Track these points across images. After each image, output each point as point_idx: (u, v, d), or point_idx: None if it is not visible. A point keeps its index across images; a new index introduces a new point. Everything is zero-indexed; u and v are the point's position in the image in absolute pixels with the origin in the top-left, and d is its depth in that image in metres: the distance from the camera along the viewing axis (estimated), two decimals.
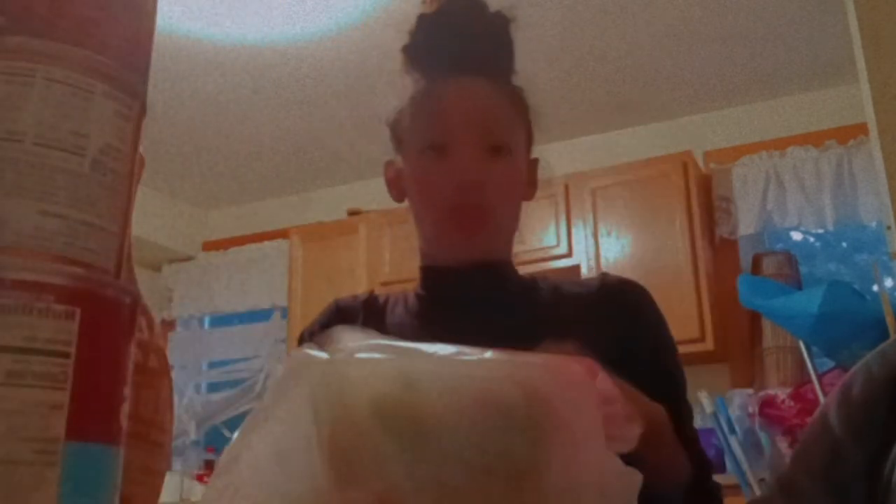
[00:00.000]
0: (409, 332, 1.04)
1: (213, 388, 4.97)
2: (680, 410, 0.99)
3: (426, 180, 1.04)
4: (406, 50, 1.09)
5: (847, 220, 3.78)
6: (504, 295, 1.07)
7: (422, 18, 1.08)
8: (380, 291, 1.20)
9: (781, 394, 3.09)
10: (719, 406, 2.98)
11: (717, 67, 3.77)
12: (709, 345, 3.55)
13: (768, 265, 3.74)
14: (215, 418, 4.69)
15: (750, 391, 3.37)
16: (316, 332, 1.09)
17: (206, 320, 5.21)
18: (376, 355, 0.49)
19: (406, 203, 1.11)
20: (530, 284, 1.11)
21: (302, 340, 1.13)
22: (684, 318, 3.45)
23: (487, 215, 1.03)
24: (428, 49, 1.06)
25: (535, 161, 1.12)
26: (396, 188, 1.12)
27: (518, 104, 1.07)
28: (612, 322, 1.03)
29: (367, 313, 1.13)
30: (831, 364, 3.04)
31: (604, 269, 3.62)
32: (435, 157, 1.03)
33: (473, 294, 1.06)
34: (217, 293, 4.96)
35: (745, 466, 2.79)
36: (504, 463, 0.45)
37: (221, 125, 4.18)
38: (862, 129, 3.28)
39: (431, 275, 1.11)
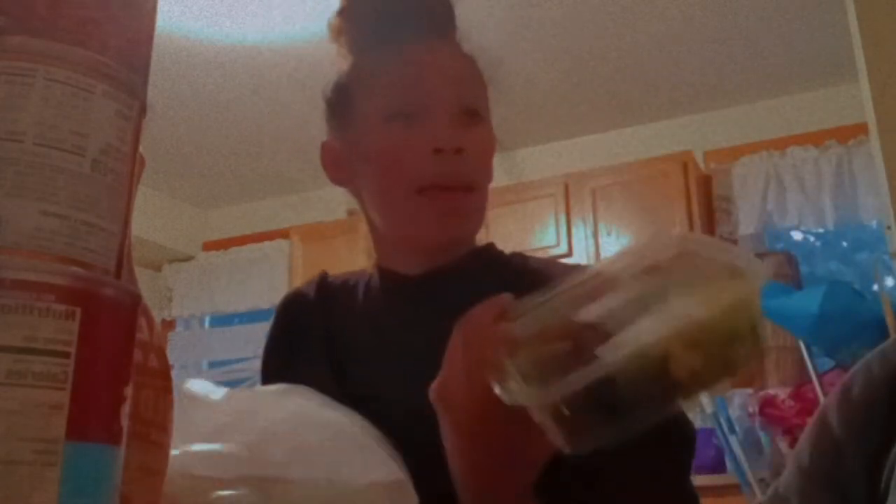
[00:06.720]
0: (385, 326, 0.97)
1: None
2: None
3: (396, 152, 0.91)
4: (345, 14, 0.97)
5: (847, 219, 3.78)
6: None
7: None
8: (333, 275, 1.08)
9: (781, 394, 3.09)
10: (719, 406, 2.98)
11: (717, 67, 3.77)
12: None
13: (768, 265, 3.74)
14: None
15: (750, 391, 3.37)
16: (271, 351, 1.04)
17: (206, 320, 5.21)
18: None
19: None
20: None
21: (266, 364, 1.04)
22: None
23: (469, 186, 0.92)
24: (375, 12, 0.96)
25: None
26: (341, 170, 0.99)
27: (478, 69, 0.97)
28: None
29: (324, 306, 1.02)
30: (831, 364, 3.03)
31: None
32: (405, 125, 0.91)
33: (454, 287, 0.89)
34: (217, 293, 4.96)
35: (745, 466, 2.79)
36: None
37: (221, 125, 4.18)
38: (862, 128, 3.28)
39: (391, 276, 0.98)
